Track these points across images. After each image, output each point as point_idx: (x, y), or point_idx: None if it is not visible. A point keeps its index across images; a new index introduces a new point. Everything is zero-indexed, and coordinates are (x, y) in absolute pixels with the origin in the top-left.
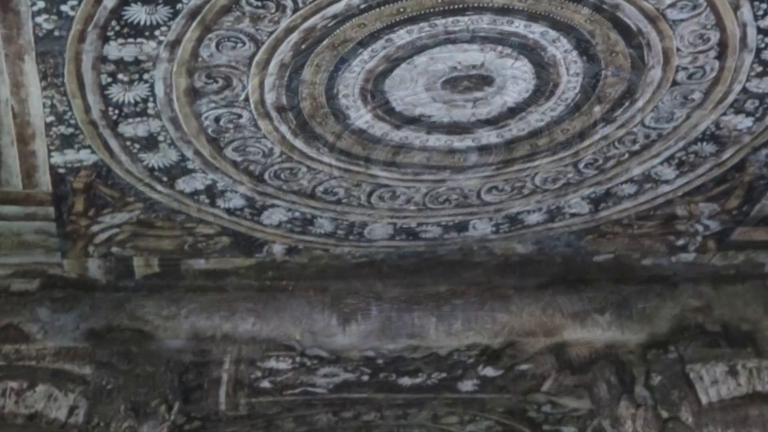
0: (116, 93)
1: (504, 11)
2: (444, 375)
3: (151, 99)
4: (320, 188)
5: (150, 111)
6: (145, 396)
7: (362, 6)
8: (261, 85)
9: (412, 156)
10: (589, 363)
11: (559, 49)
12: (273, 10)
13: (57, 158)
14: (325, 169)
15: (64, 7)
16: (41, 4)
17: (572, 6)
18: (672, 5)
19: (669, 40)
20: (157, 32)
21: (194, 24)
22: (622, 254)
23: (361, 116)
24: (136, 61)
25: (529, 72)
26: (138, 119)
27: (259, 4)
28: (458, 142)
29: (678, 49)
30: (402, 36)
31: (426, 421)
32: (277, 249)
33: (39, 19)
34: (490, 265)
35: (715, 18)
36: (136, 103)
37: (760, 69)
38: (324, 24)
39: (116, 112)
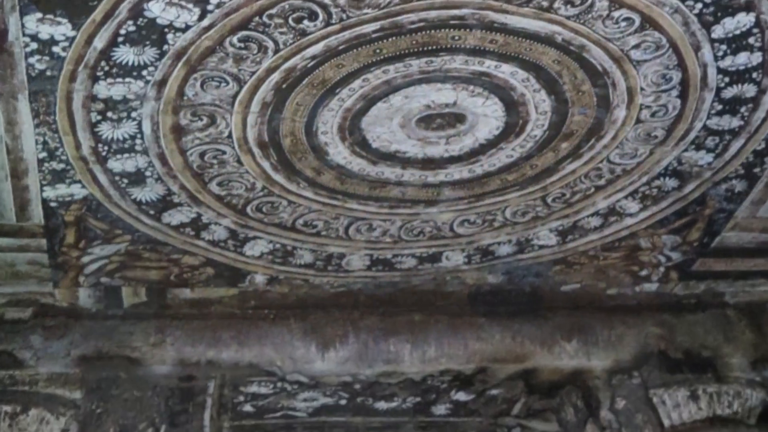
0: (105, 130)
1: (476, 52)
2: (418, 399)
3: (138, 136)
4: (300, 221)
5: (138, 147)
6: (133, 419)
7: (340, 47)
8: (243, 122)
9: (388, 190)
10: (557, 388)
11: (528, 89)
12: (255, 51)
13: (49, 192)
14: (304, 203)
15: (55, 49)
16: (34, 46)
17: (541, 47)
18: (636, 46)
19: (633, 79)
20: (144, 72)
21: (180, 64)
22: (589, 284)
23: (340, 152)
24: (125, 100)
25: (500, 110)
26: (126, 155)
27: (242, 45)
28: (432, 177)
29: (642, 89)
30: (378, 76)
31: None
32: (259, 279)
33: (32, 60)
34: (462, 294)
35: (677, 59)
36: (125, 140)
37: (719, 107)
38: (303, 64)
39: (105, 148)
